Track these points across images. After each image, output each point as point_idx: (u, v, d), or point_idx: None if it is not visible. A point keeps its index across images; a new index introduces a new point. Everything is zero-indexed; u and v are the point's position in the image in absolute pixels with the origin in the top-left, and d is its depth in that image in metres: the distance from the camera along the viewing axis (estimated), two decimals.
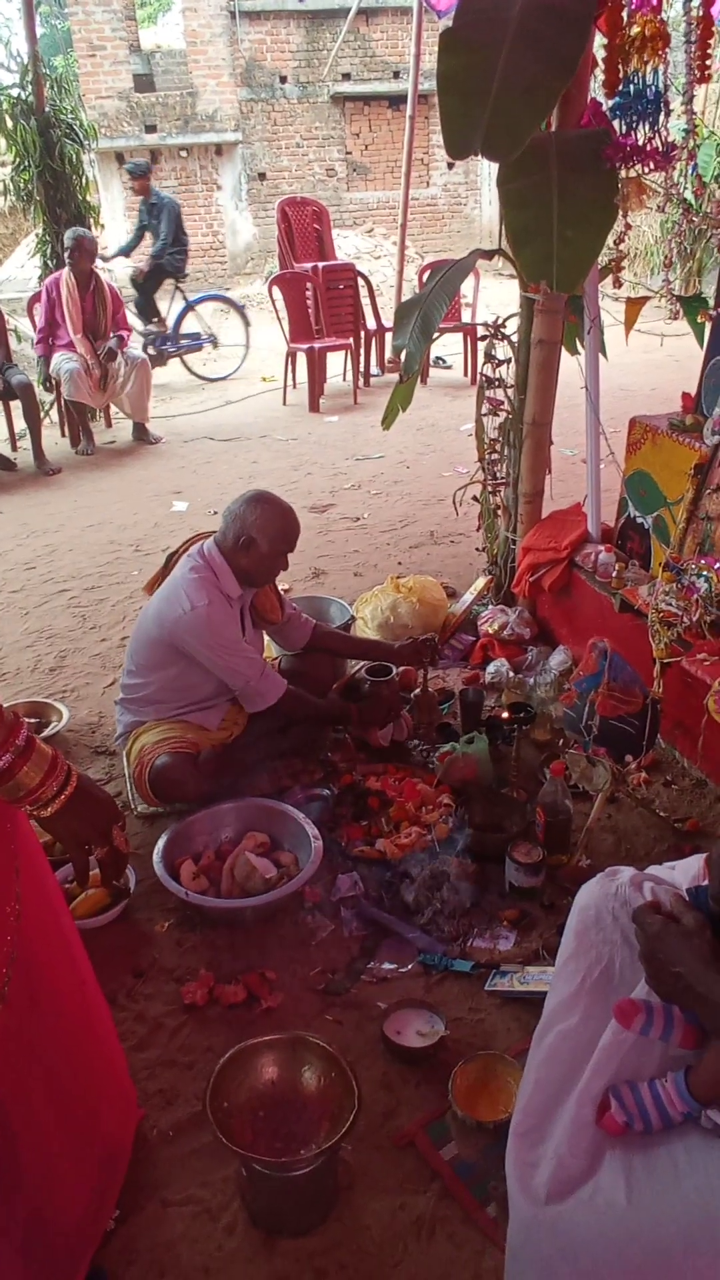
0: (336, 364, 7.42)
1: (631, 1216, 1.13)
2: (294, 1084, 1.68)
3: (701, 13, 2.62)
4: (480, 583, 3.55)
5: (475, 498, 3.47)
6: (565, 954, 1.41)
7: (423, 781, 2.57)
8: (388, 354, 7.61)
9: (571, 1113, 1.26)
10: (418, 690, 2.92)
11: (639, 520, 2.95)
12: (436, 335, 3.42)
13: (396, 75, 12.82)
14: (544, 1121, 1.29)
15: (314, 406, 6.86)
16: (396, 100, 12.69)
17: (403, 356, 2.96)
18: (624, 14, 2.55)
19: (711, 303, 2.80)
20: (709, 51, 2.63)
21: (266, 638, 2.86)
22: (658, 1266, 1.08)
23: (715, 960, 1.19)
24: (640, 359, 7.01)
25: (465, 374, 7.37)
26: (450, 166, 13.65)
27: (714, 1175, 1.12)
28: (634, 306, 3.05)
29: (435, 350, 7.73)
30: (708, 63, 2.64)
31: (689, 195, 2.72)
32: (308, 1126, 1.63)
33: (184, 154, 12.46)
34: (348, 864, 2.34)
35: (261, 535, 2.45)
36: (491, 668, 3.11)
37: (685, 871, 1.50)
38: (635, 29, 2.51)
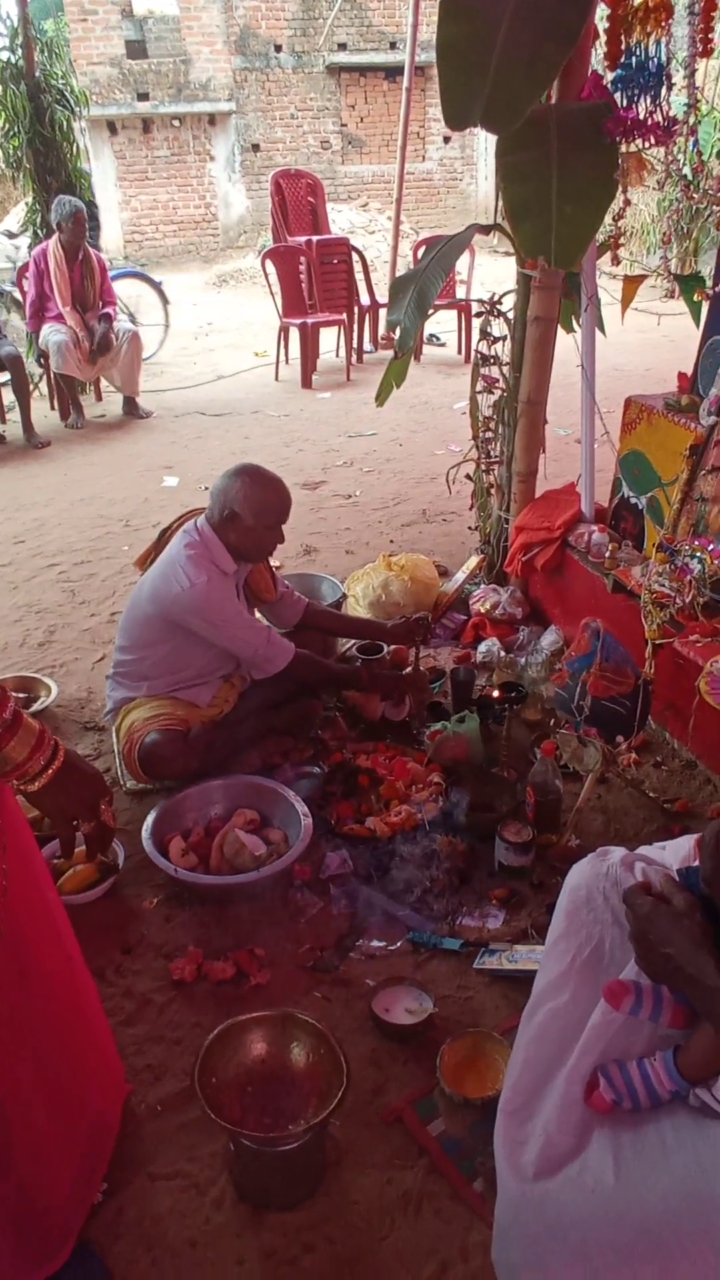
0: (330, 340, 7.35)
1: (619, 1194, 1.13)
2: (282, 1060, 1.68)
3: None
4: (473, 561, 3.54)
5: (468, 476, 3.44)
6: (555, 933, 1.41)
7: (413, 760, 2.57)
8: (381, 330, 7.55)
9: (560, 1091, 1.26)
10: (409, 669, 2.91)
11: (633, 501, 2.94)
12: (431, 312, 3.38)
13: (393, 46, 12.64)
14: (533, 1099, 1.29)
15: (307, 383, 6.80)
16: (393, 72, 12.52)
17: (397, 333, 2.93)
18: None
19: (709, 282, 2.77)
20: (711, 24, 2.60)
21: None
22: (645, 1244, 1.09)
23: (705, 941, 1.19)
24: (636, 338, 6.98)
25: (459, 351, 7.32)
26: (447, 141, 13.50)
27: (702, 1154, 1.13)
28: (631, 284, 3.02)
29: (429, 327, 7.67)
30: (710, 36, 2.61)
31: (688, 172, 2.69)
32: (296, 1102, 1.63)
33: (176, 123, 12.29)
34: (337, 842, 2.34)
35: (245, 508, 2.43)
36: (483, 647, 3.10)
37: (676, 852, 1.50)
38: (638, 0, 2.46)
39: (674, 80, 2.55)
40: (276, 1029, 1.70)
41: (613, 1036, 1.28)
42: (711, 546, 2.40)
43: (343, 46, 12.73)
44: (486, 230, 3.05)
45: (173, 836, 2.31)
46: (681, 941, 1.19)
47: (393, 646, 2.98)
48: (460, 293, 7.34)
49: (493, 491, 3.40)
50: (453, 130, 2.35)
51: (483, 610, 3.26)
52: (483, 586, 3.40)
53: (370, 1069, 1.83)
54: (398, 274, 5.52)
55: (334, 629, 2.96)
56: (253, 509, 2.43)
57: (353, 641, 3.05)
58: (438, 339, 7.80)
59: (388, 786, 2.48)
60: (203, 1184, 1.64)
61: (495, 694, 2.69)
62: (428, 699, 2.84)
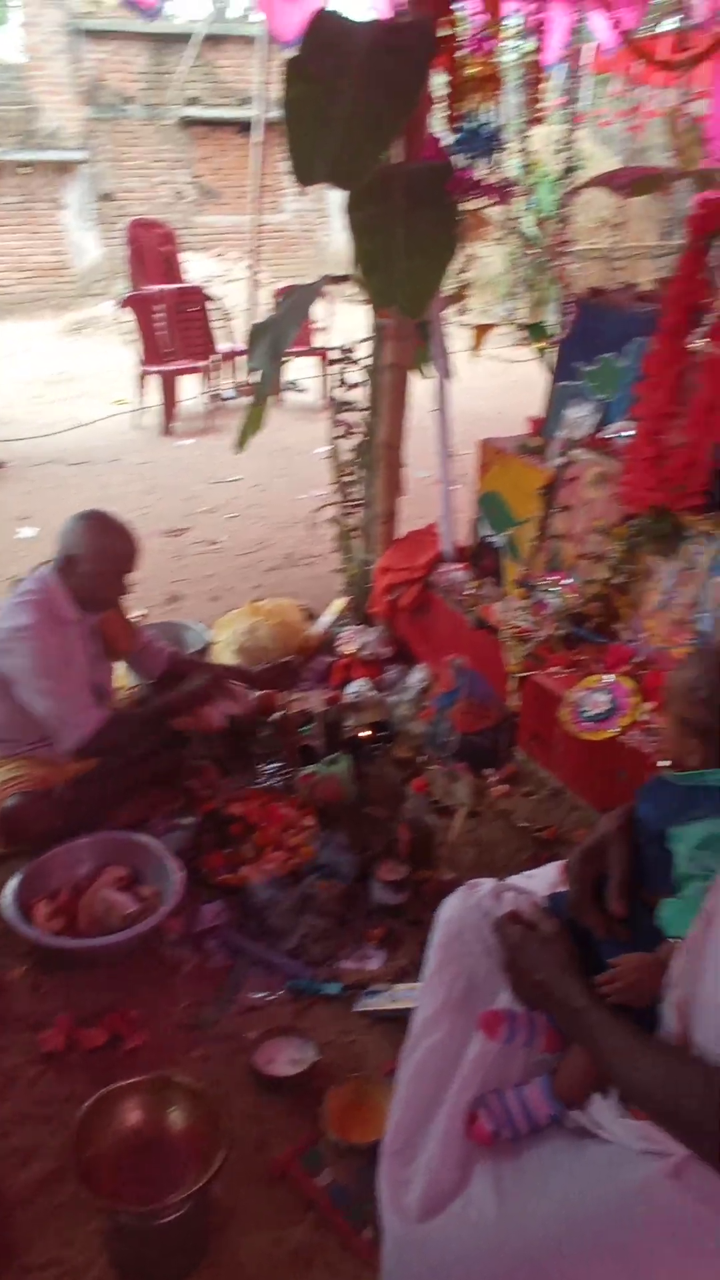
0: (192, 387, 7.35)
1: (500, 1226, 1.14)
2: (160, 1127, 1.62)
3: (534, 59, 2.78)
4: (338, 604, 3.57)
5: (331, 520, 3.49)
6: (430, 969, 1.42)
7: (285, 805, 2.55)
8: (241, 377, 7.60)
9: (442, 1127, 1.26)
10: (279, 714, 2.89)
11: (491, 539, 3.04)
12: (287, 359, 3.44)
13: (244, 102, 12.90)
14: (415, 1138, 1.29)
15: (168, 430, 6.76)
16: (245, 127, 12.76)
17: (255, 379, 2.96)
18: (461, 56, 2.66)
19: (553, 331, 2.93)
20: (539, 97, 2.78)
21: (125, 667, 2.78)
22: (526, 1273, 1.09)
23: (571, 964, 1.23)
24: (491, 384, 7.25)
25: (320, 398, 7.44)
26: (302, 193, 13.83)
27: (578, 1175, 1.15)
28: (481, 332, 3.16)
29: (290, 374, 7.77)
30: (539, 106, 2.79)
31: (527, 229, 2.86)
32: (176, 1169, 1.57)
33: (25, 170, 12.13)
34: (212, 893, 2.29)
35: (83, 552, 2.38)
36: (352, 688, 3.12)
37: (544, 879, 1.54)
38: (471, 70, 2.61)
39: (508, 145, 2.71)
40: (152, 1094, 1.64)
41: (490, 1067, 1.29)
42: (567, 581, 2.51)
43: (194, 101, 12.90)
44: (339, 280, 3.13)
45: (39, 900, 2.20)
46: (550, 966, 1.22)
47: (261, 692, 2.96)
48: (322, 340, 7.48)
49: (355, 534, 3.45)
50: (301, 186, 2.41)
51: (350, 652, 3.29)
52: (349, 628, 3.43)
53: (253, 1125, 1.78)
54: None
55: None
56: (94, 555, 2.38)
57: None
58: (298, 386, 7.90)
59: (261, 833, 2.45)
60: (79, 1269, 1.54)
61: (365, 734, 2.71)
62: (298, 742, 2.83)
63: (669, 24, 3.09)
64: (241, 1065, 1.88)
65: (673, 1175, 1.07)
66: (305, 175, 2.35)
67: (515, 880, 1.58)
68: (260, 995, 2.06)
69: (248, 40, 12.27)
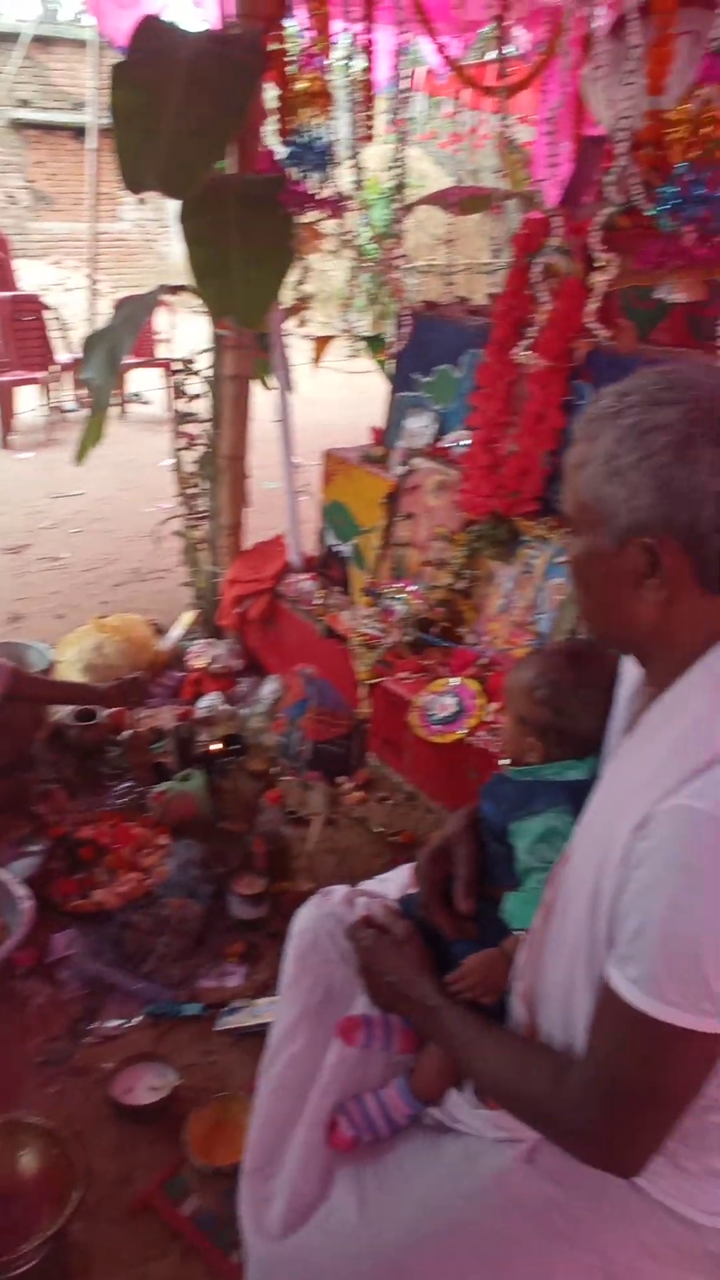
0: (30, 398, 7.09)
1: (363, 1230, 1.13)
2: (11, 1172, 1.54)
3: (364, 78, 2.83)
4: (187, 617, 3.52)
5: (177, 532, 3.44)
6: (286, 980, 1.41)
7: (138, 824, 2.48)
8: (83, 389, 7.39)
9: (302, 1139, 1.25)
10: (129, 732, 2.82)
11: (338, 549, 3.07)
12: (126, 371, 3.37)
13: (79, 106, 12.59)
14: (276, 1154, 1.27)
15: (5, 443, 6.50)
16: (80, 132, 12.45)
17: (91, 390, 2.88)
18: (291, 70, 2.69)
19: (391, 343, 2.98)
20: (371, 115, 2.84)
21: None
22: (390, 1276, 1.09)
23: (425, 964, 1.24)
24: (338, 395, 7.34)
25: (166, 410, 7.32)
26: (141, 201, 13.59)
27: (437, 1171, 1.15)
28: (321, 343, 3.19)
29: (134, 386, 7.62)
30: (370, 124, 2.85)
31: (363, 243, 2.90)
32: (31, 1216, 1.49)
33: None
34: (64, 921, 2.20)
35: None
36: (204, 702, 3.08)
37: (396, 882, 1.55)
38: (301, 85, 2.64)
39: (341, 161, 2.75)
40: (2, 1139, 1.56)
41: (349, 1074, 1.29)
42: (412, 588, 2.56)
43: (25, 104, 12.49)
44: (175, 290, 3.10)
45: None
46: (403, 968, 1.23)
47: (109, 710, 2.88)
48: (165, 351, 7.37)
49: (202, 546, 3.41)
50: (131, 193, 2.37)
51: (201, 665, 3.24)
52: (199, 642, 3.38)
53: (114, 1160, 1.72)
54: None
55: (44, 697, 2.81)
56: None
57: (66, 709, 2.91)
58: (142, 397, 7.76)
59: (113, 856, 2.37)
60: None
61: (217, 748, 2.68)
62: (150, 760, 2.77)
63: (491, 53, 3.20)
64: (100, 1098, 1.82)
65: (525, 1160, 1.09)
66: (134, 183, 2.31)
67: (368, 885, 1.58)
68: (117, 1023, 2.00)
69: (80, 44, 12.01)
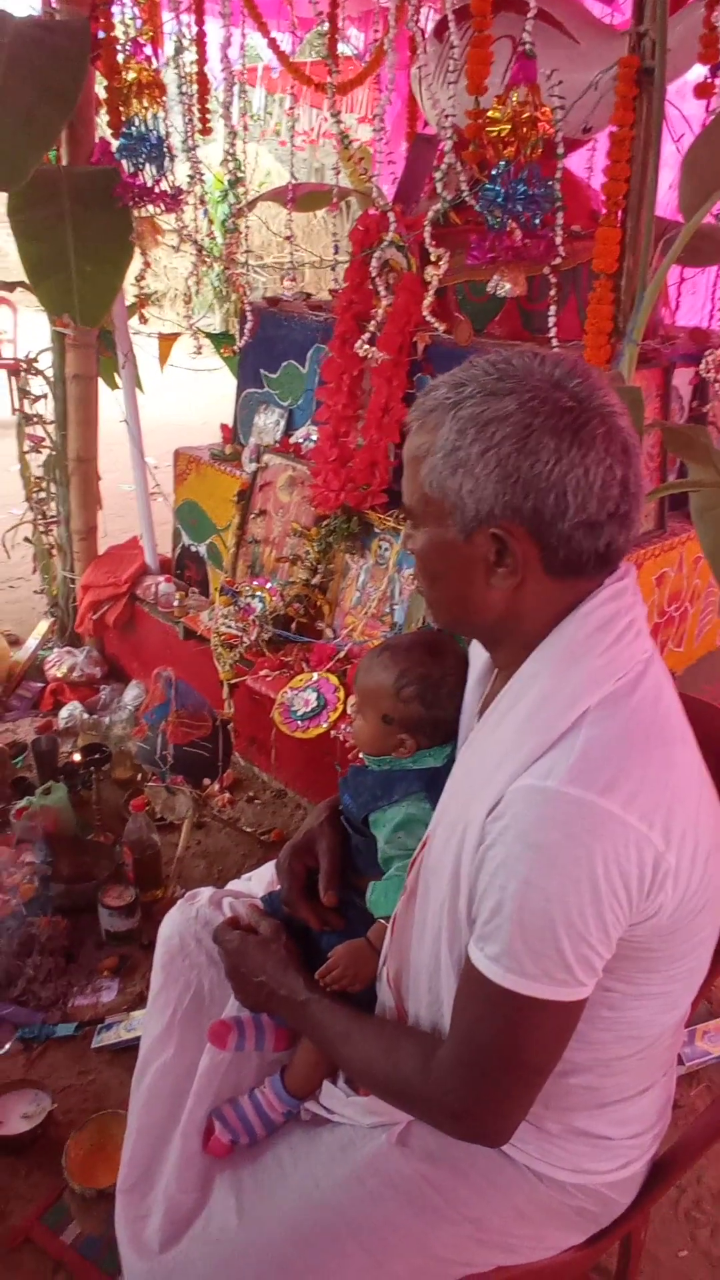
0: None
1: (243, 1233, 1.12)
2: None
3: (196, 70, 2.78)
4: (43, 626, 3.40)
5: (27, 539, 3.32)
6: (155, 988, 1.39)
7: (0, 843, 2.38)
8: None
9: (178, 1149, 1.23)
10: None
11: (194, 549, 3.03)
12: None
13: None
14: (151, 1168, 1.24)
15: None
16: None
17: None
18: (120, 59, 2.62)
19: (237, 340, 2.96)
20: (206, 107, 2.80)
21: None
22: (275, 1275, 1.09)
23: (292, 960, 1.24)
24: (191, 394, 7.22)
25: (12, 412, 7.04)
26: None
27: (314, 1163, 1.16)
28: (166, 342, 3.14)
29: None
30: (206, 117, 2.81)
31: (203, 239, 2.86)
32: None
33: None
34: None
35: None
36: (64, 712, 2.99)
37: (261, 880, 1.55)
38: (131, 75, 2.58)
39: (176, 154, 2.70)
40: None
41: (223, 1078, 1.28)
42: (269, 585, 2.55)
43: None
44: (11, 287, 2.98)
45: None
46: (272, 967, 1.23)
47: None
48: (8, 351, 7.07)
49: (54, 552, 3.31)
50: None
51: (60, 675, 3.15)
52: (57, 650, 3.28)
53: None
54: None
55: None
56: None
57: None
58: None
59: None
60: None
61: (76, 758, 2.60)
62: (10, 775, 2.67)
63: (319, 51, 3.22)
64: None
65: (398, 1143, 1.11)
66: None
67: (234, 885, 1.57)
68: None
69: None
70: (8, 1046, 1.93)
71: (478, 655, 1.21)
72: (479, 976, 0.92)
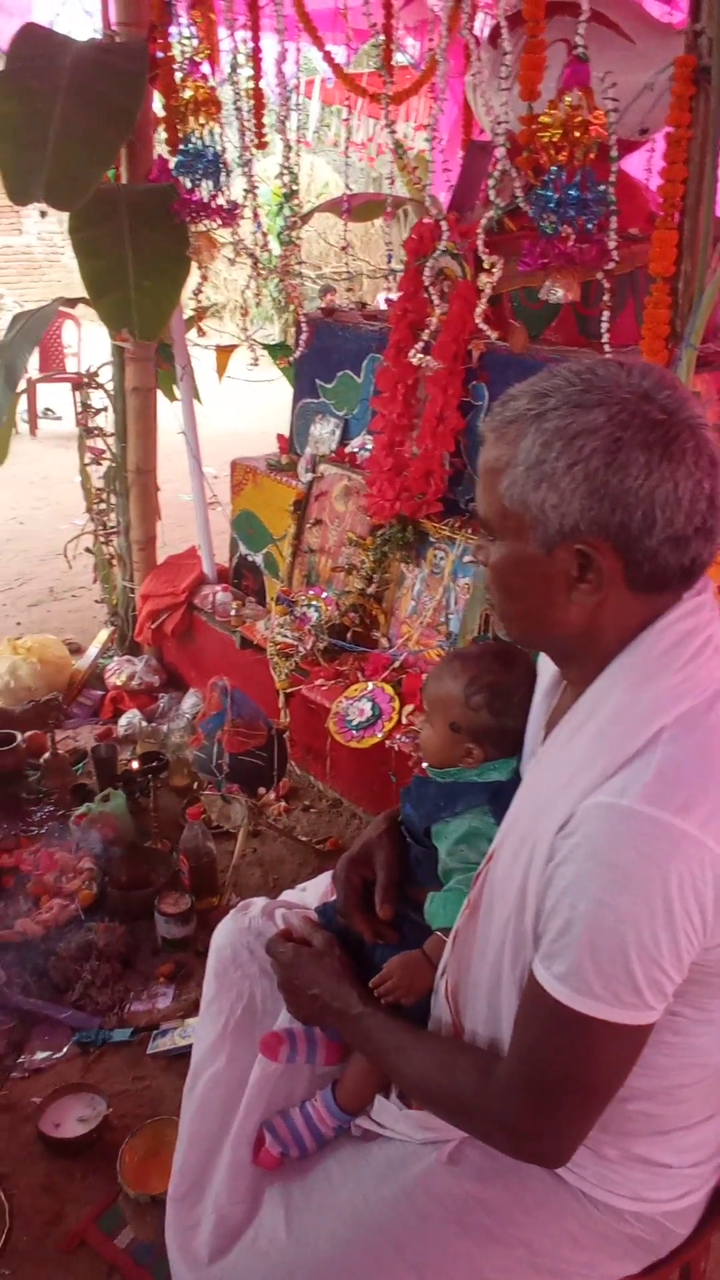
0: None
1: (291, 1247, 1.12)
2: None
3: (252, 86, 2.82)
4: (103, 635, 3.46)
5: (89, 549, 3.38)
6: (207, 997, 1.39)
7: (60, 849, 2.43)
8: None
9: (228, 1160, 1.23)
10: (48, 754, 2.76)
11: (250, 558, 3.05)
12: (31, 383, 3.30)
13: None
14: (202, 1179, 1.25)
15: None
16: None
17: None
18: (177, 77, 2.66)
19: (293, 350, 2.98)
20: (262, 121, 2.83)
21: None
22: None
23: (346, 974, 1.23)
24: (248, 404, 7.31)
25: (76, 425, 7.19)
26: (44, 215, 13.33)
27: (365, 1180, 1.15)
28: (224, 353, 3.18)
29: (44, 402, 7.48)
30: (262, 131, 2.84)
31: (259, 252, 2.89)
32: None
33: None
34: None
35: None
36: (124, 720, 3.03)
37: (315, 890, 1.54)
38: (189, 93, 2.62)
39: (232, 169, 2.73)
40: None
41: (274, 1089, 1.28)
42: (325, 594, 2.56)
43: None
44: (73, 303, 3.05)
45: None
46: (325, 979, 1.22)
47: (29, 733, 2.82)
48: (72, 365, 7.24)
49: (114, 562, 3.36)
50: (16, 205, 2.32)
51: (119, 683, 3.20)
52: (116, 659, 3.34)
53: (45, 1197, 1.68)
54: None
55: None
56: None
57: None
58: (53, 413, 7.62)
59: (35, 882, 2.32)
60: None
61: (135, 766, 2.64)
62: (70, 782, 2.72)
63: (375, 61, 3.23)
64: (28, 1135, 1.78)
65: (449, 1161, 1.10)
66: (19, 194, 2.27)
67: (288, 895, 1.57)
68: (45, 1055, 1.96)
69: None
70: (65, 1050, 1.97)
71: (545, 668, 1.19)
72: (544, 995, 0.90)
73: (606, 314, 1.94)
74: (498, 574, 1.01)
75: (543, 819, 0.94)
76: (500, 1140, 1.01)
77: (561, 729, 1.01)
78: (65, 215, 2.44)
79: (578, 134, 1.67)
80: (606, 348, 1.98)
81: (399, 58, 3.87)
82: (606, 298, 1.93)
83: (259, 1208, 1.19)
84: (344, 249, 2.87)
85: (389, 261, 2.76)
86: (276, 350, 3.13)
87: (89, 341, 7.59)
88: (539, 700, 1.19)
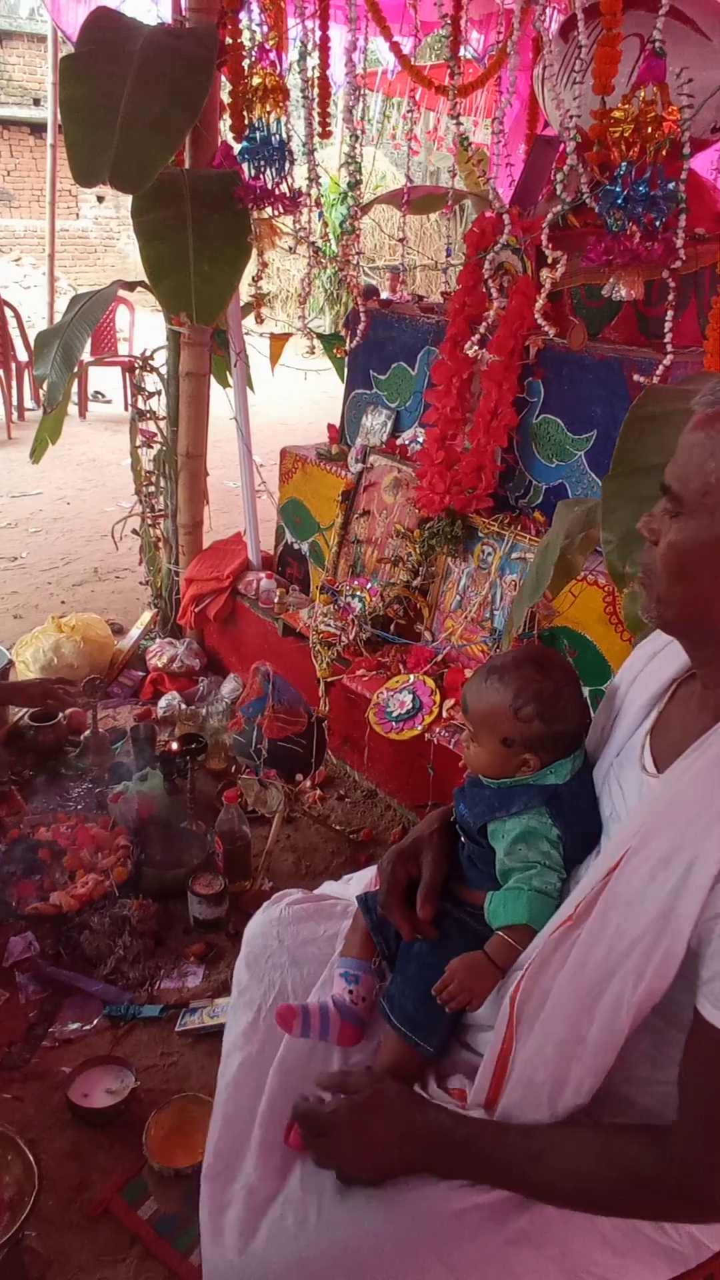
0: None
1: (321, 1230, 1.12)
2: None
3: (319, 75, 2.82)
4: (146, 617, 3.50)
5: (135, 531, 3.41)
6: (239, 986, 1.40)
7: (97, 825, 2.46)
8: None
9: (258, 1139, 1.24)
10: (87, 732, 2.80)
11: (296, 546, 3.06)
12: (87, 364, 3.33)
13: (37, 102, 12.44)
14: (235, 1159, 1.25)
15: None
16: (38, 128, 12.30)
17: (45, 387, 2.85)
18: (245, 64, 2.67)
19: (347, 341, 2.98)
20: (327, 110, 2.83)
21: None
22: (348, 1274, 1.08)
23: (417, 1097, 1.15)
24: (297, 393, 7.32)
25: (126, 408, 7.25)
26: (100, 200, 13.45)
27: None
28: (278, 342, 3.18)
29: (95, 385, 7.55)
30: (327, 120, 2.84)
31: (320, 241, 2.89)
32: None
33: None
34: (21, 924, 2.18)
35: None
36: (163, 702, 3.06)
37: (360, 883, 1.54)
38: (256, 80, 2.62)
39: (297, 157, 2.74)
40: None
41: (304, 1072, 1.28)
42: (369, 585, 2.56)
43: None
44: (131, 286, 3.07)
45: None
46: (402, 1116, 1.13)
47: (69, 710, 2.85)
48: (124, 349, 7.30)
49: (160, 545, 3.39)
50: (82, 186, 2.34)
51: (160, 665, 3.23)
52: (158, 641, 3.37)
53: (71, 1164, 1.71)
54: None
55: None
56: None
57: (25, 710, 2.89)
58: (103, 396, 7.69)
59: (71, 857, 2.35)
60: None
61: (174, 747, 2.66)
62: (109, 760, 2.75)
63: (442, 54, 3.21)
64: (56, 1103, 1.81)
65: None
66: (86, 176, 2.29)
67: (330, 887, 1.57)
68: (76, 1026, 1.99)
69: (39, 39, 11.86)
70: (95, 1022, 1.99)
71: (641, 671, 1.17)
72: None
73: (670, 314, 1.91)
74: (676, 553, 0.97)
75: (704, 840, 0.90)
76: (679, 1210, 0.97)
77: (712, 744, 0.97)
78: (122, 200, 2.47)
79: (650, 130, 1.65)
80: (669, 348, 1.95)
81: (462, 51, 3.85)
82: (671, 297, 1.91)
83: (288, 1188, 1.20)
84: (401, 240, 2.86)
85: (448, 255, 2.75)
86: (331, 340, 3.12)
87: (141, 327, 7.67)
88: (640, 705, 1.16)
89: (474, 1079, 1.14)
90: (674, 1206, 0.97)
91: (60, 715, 2.81)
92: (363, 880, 1.54)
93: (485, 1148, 1.05)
